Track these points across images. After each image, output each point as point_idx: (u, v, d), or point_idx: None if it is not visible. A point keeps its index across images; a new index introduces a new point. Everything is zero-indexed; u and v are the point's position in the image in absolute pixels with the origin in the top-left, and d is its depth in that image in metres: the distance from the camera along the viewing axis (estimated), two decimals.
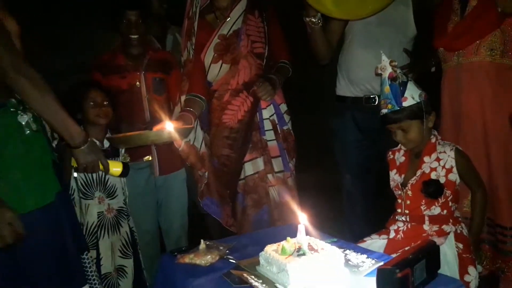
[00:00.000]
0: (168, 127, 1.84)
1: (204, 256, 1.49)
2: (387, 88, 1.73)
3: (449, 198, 1.72)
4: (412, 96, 1.71)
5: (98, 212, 2.04)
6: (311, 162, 3.02)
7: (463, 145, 1.88)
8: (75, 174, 1.96)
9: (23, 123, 1.40)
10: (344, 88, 2.32)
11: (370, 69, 2.20)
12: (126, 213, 2.15)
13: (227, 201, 2.24)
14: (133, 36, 2.27)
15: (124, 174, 1.77)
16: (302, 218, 1.36)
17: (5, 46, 1.33)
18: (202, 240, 1.56)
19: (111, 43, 2.45)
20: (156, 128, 1.91)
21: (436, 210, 1.71)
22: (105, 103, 2.08)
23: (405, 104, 1.70)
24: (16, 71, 1.33)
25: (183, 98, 2.20)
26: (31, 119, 1.42)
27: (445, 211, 1.71)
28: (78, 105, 2.04)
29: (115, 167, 1.73)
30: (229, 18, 2.17)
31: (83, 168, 1.54)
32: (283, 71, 2.24)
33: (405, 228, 1.75)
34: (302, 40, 2.28)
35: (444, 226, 1.70)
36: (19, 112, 1.39)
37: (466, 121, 1.99)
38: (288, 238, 1.34)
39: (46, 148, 1.47)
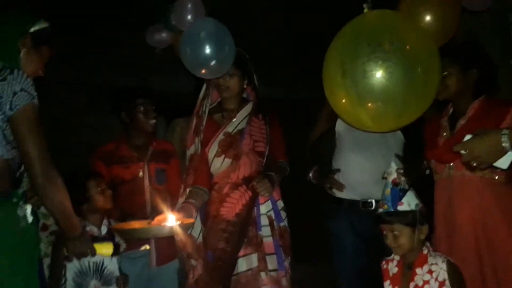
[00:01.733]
0: (170, 221, 1.89)
1: None
2: (387, 191, 1.81)
3: None
4: (409, 203, 1.77)
5: None
6: (308, 262, 2.98)
7: (456, 255, 1.88)
8: (68, 264, 1.97)
9: (21, 215, 1.47)
10: (339, 190, 2.37)
11: (365, 173, 2.30)
12: None
13: None
14: (151, 121, 2.39)
15: (115, 253, 1.86)
16: None
17: (39, 153, 1.45)
18: None
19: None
20: (158, 219, 1.96)
21: None
22: (107, 187, 2.17)
23: (400, 208, 1.76)
24: (45, 177, 1.45)
25: (188, 190, 2.27)
26: (29, 212, 1.50)
27: None
28: (83, 195, 2.10)
29: (106, 249, 1.80)
30: (235, 119, 2.32)
31: (74, 256, 1.64)
32: (282, 169, 2.33)
33: None
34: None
35: None
36: (20, 204, 1.48)
37: (459, 233, 2.00)
38: None
39: (35, 244, 1.55)
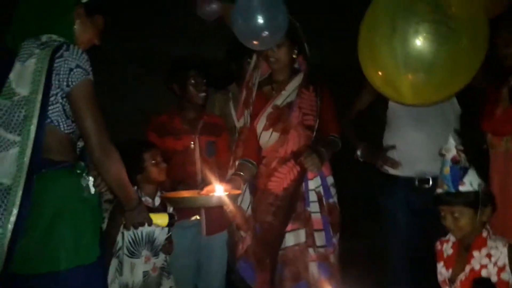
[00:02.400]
0: (218, 192, 1.91)
1: None
2: (447, 170, 1.69)
3: None
4: (471, 182, 1.66)
5: (143, 272, 2.08)
6: (357, 239, 2.92)
7: (510, 235, 1.76)
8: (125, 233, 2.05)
9: (84, 185, 1.53)
10: (394, 168, 2.27)
11: (423, 149, 2.18)
12: (167, 271, 2.19)
13: (265, 268, 2.20)
14: (201, 94, 2.41)
15: (170, 224, 1.88)
16: None
17: (96, 127, 1.49)
18: None
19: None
20: (207, 189, 1.98)
21: None
22: (162, 160, 2.20)
23: (461, 188, 1.65)
24: (102, 150, 1.50)
25: (237, 162, 2.28)
26: (92, 183, 1.55)
27: None
28: (138, 166, 2.15)
29: (162, 219, 1.84)
30: (285, 91, 2.26)
31: (131, 226, 1.68)
32: (332, 144, 2.25)
33: None
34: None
35: None
36: (84, 175, 1.53)
37: None
38: None
39: (98, 213, 1.59)
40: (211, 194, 1.97)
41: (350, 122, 2.45)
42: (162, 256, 2.17)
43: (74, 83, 1.48)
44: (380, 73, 1.81)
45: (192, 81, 2.40)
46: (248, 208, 2.27)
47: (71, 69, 1.47)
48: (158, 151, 2.22)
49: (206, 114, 2.53)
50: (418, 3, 1.64)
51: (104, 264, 1.69)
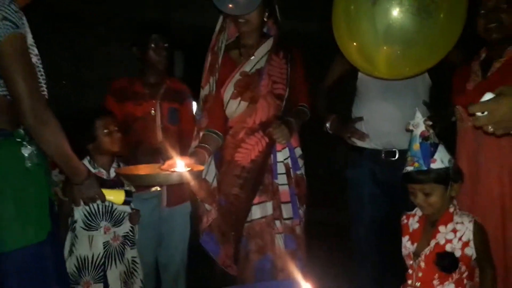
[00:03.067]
0: (179, 168, 1.80)
1: None
2: (416, 146, 1.66)
3: (464, 274, 1.62)
4: (441, 159, 1.63)
5: (103, 243, 1.98)
6: (322, 210, 2.93)
7: (478, 210, 1.78)
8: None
9: (26, 155, 1.37)
10: (361, 140, 2.24)
11: (392, 122, 2.15)
12: (132, 241, 2.09)
13: (229, 241, 2.16)
14: (158, 58, 2.27)
15: (127, 202, 1.77)
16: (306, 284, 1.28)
17: (28, 90, 1.32)
18: None
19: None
20: (167, 164, 1.87)
21: (449, 286, 1.61)
22: (116, 130, 2.05)
23: (433, 166, 1.62)
24: (35, 117, 1.33)
25: (201, 133, 2.17)
26: (35, 152, 1.39)
27: None
28: (90, 135, 2.01)
29: (116, 196, 1.73)
30: (253, 57, 2.15)
31: (80, 202, 1.58)
32: (301, 115, 2.19)
33: None
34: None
35: None
36: (24, 143, 1.37)
37: (483, 186, 1.87)
38: None
39: (45, 184, 1.44)
40: (171, 170, 1.85)
41: (322, 93, 2.39)
42: (126, 224, 2.06)
43: (0, 38, 1.29)
44: (355, 44, 1.74)
45: (153, 45, 2.27)
46: (213, 180, 2.19)
47: None
48: (112, 119, 2.07)
49: (168, 79, 2.39)
50: None
51: (58, 239, 1.56)
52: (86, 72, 3.13)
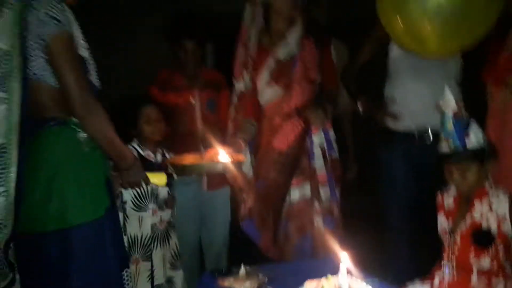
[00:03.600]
0: (223, 158, 1.92)
1: (243, 282, 1.53)
2: (450, 125, 1.68)
3: (500, 249, 1.64)
4: (476, 137, 1.66)
5: (151, 224, 2.12)
6: (357, 192, 2.98)
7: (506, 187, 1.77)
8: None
9: (82, 140, 1.49)
10: (395, 120, 2.27)
11: (424, 102, 2.17)
12: (174, 225, 2.23)
13: (269, 226, 2.24)
14: (191, 57, 2.41)
15: (169, 183, 1.88)
16: (344, 257, 1.36)
17: (75, 82, 1.43)
18: (242, 265, 1.59)
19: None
20: (210, 154, 1.97)
21: (486, 261, 1.64)
22: (158, 119, 2.17)
23: (468, 144, 1.65)
24: (84, 106, 1.43)
25: (230, 124, 2.26)
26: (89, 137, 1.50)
27: (495, 264, 1.64)
28: (132, 122, 2.14)
29: (159, 178, 1.81)
30: (286, 41, 2.20)
31: (128, 185, 1.66)
32: (334, 98, 2.25)
33: (451, 277, 1.69)
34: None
35: (493, 279, 1.63)
36: (78, 130, 1.48)
37: (510, 162, 1.88)
38: (329, 276, 1.34)
39: (102, 165, 1.55)
40: (216, 160, 1.96)
41: (352, 75, 2.42)
42: (168, 210, 2.20)
43: (48, 37, 1.40)
44: (404, 24, 1.75)
45: (184, 51, 2.40)
46: (249, 170, 2.27)
47: (41, 21, 1.40)
48: (154, 109, 2.18)
49: (205, 70, 2.51)
50: None
51: (116, 214, 1.67)
52: (118, 64, 3.24)
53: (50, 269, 1.45)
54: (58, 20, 1.41)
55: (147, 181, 1.70)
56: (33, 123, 1.44)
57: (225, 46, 2.53)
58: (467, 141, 1.65)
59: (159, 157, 2.22)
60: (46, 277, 1.46)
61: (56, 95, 1.48)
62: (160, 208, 2.16)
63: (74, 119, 1.49)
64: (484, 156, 1.67)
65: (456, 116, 1.68)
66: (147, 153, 2.18)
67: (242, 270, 1.58)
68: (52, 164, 1.46)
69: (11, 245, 1.40)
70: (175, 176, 2.11)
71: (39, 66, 1.44)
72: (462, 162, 1.67)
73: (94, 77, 1.57)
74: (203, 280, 1.70)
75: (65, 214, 1.44)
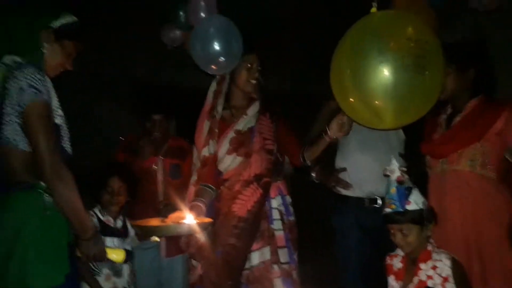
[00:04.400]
0: (189, 220, 1.97)
1: None
2: (393, 190, 1.87)
3: None
4: (416, 201, 1.84)
5: None
6: (312, 256, 3.07)
7: (448, 249, 1.93)
8: None
9: (47, 204, 1.52)
10: (345, 188, 2.45)
11: (371, 171, 2.37)
12: None
13: None
14: (156, 133, 2.57)
15: (126, 260, 1.90)
16: None
17: (47, 148, 1.48)
18: None
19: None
20: (172, 217, 2.02)
21: None
22: (121, 191, 2.24)
23: (408, 207, 1.83)
24: (53, 173, 1.48)
25: (192, 189, 2.32)
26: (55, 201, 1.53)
27: None
28: (96, 189, 2.20)
29: (117, 255, 1.83)
30: (246, 116, 2.37)
31: (87, 258, 1.65)
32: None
33: None
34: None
35: None
36: (45, 194, 1.52)
37: (449, 227, 2.07)
38: None
39: (64, 230, 1.57)
40: (181, 222, 2.00)
41: (307, 146, 2.61)
42: (125, 277, 2.17)
43: (25, 104, 1.47)
44: (362, 100, 1.90)
45: (152, 122, 2.58)
46: (202, 236, 2.26)
47: (21, 89, 1.47)
48: (117, 181, 2.25)
49: (171, 138, 2.63)
50: (400, 38, 1.80)
51: (75, 281, 1.65)
52: (84, 131, 3.29)
53: None
54: (38, 90, 1.49)
55: (104, 257, 1.70)
56: (2, 186, 1.48)
57: (183, 117, 2.72)
58: (407, 205, 1.83)
59: (119, 223, 2.24)
60: None
61: (26, 159, 1.52)
62: (116, 274, 2.13)
63: (42, 184, 1.52)
64: (423, 220, 1.84)
65: (399, 181, 1.87)
66: (107, 219, 2.20)
67: None
68: (14, 226, 1.47)
69: None
70: (133, 254, 2.12)
71: (12, 131, 1.50)
72: (403, 224, 1.83)
73: (67, 144, 1.62)
74: None
75: (23, 279, 1.44)
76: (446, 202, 2.10)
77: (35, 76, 1.50)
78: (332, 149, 2.59)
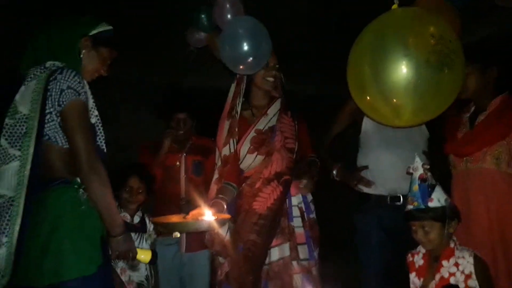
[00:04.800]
0: (208, 216, 2.00)
1: None
2: (415, 187, 1.87)
3: None
4: (438, 199, 1.83)
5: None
6: (334, 254, 3.07)
7: (472, 246, 1.92)
8: None
9: (82, 199, 1.60)
10: (368, 187, 2.45)
11: (396, 170, 2.36)
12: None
13: None
14: (180, 132, 2.62)
15: (152, 261, 1.88)
16: None
17: (85, 145, 1.57)
18: None
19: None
20: (193, 214, 2.06)
21: None
22: (140, 191, 2.30)
23: (430, 204, 1.82)
24: (89, 168, 1.56)
25: (214, 187, 2.36)
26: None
27: None
28: (115, 186, 2.24)
29: (145, 255, 1.84)
30: (266, 115, 2.40)
31: (116, 255, 1.69)
32: (314, 164, 2.41)
33: None
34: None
35: None
36: (80, 190, 1.60)
37: (475, 225, 2.06)
38: None
39: (98, 224, 1.63)
40: (200, 218, 2.04)
41: (327, 145, 2.64)
42: (142, 272, 2.21)
43: (64, 103, 1.58)
44: (381, 94, 1.88)
45: (174, 120, 2.64)
46: (227, 232, 2.32)
47: (62, 90, 1.58)
48: (137, 180, 2.32)
49: (195, 136, 2.70)
50: (424, 35, 1.79)
51: (108, 273, 1.70)
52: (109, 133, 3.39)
53: None
54: (76, 91, 1.60)
55: (134, 255, 1.73)
56: (41, 182, 1.57)
57: (206, 117, 2.78)
58: (429, 202, 1.82)
59: (136, 219, 2.30)
60: None
61: (65, 156, 1.62)
62: (131, 268, 2.17)
63: (78, 180, 1.62)
64: (445, 217, 1.82)
65: (421, 178, 1.87)
66: (124, 215, 2.26)
67: None
68: (51, 220, 1.55)
69: None
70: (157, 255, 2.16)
71: (52, 128, 1.60)
72: (424, 220, 1.83)
73: (102, 142, 1.72)
74: None
75: (58, 269, 1.51)
76: (471, 200, 2.08)
77: (74, 78, 1.61)
78: (354, 147, 2.60)
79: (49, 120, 1.59)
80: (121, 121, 3.53)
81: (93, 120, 1.69)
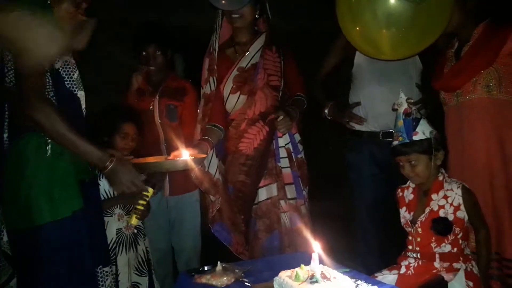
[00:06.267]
0: (184, 156, 1.94)
1: (220, 278, 1.55)
2: (400, 122, 1.84)
3: (459, 235, 1.78)
4: (423, 131, 1.81)
5: (117, 229, 2.11)
6: (325, 192, 3.08)
7: (467, 181, 1.91)
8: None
9: (48, 146, 1.54)
10: (360, 124, 2.39)
11: (388, 104, 2.27)
12: (143, 232, 2.23)
13: (239, 228, 2.29)
14: (150, 68, 2.43)
15: (155, 193, 1.87)
16: (316, 247, 1.42)
17: (24, 84, 1.47)
18: (219, 262, 1.63)
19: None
20: (173, 155, 2.00)
21: (446, 247, 1.77)
22: (134, 137, 2.21)
23: (415, 138, 1.80)
24: (28, 105, 1.48)
25: (198, 127, 2.30)
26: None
27: (455, 249, 1.77)
28: (108, 131, 2.16)
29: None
30: (248, 53, 2.29)
31: (121, 190, 1.64)
32: (299, 104, 2.33)
33: (416, 264, 1.80)
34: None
35: (454, 264, 1.75)
36: (47, 137, 1.54)
37: (469, 157, 2.04)
38: (302, 265, 1.39)
39: (69, 168, 1.58)
40: (177, 158, 1.98)
41: (318, 82, 2.54)
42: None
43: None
44: (359, 29, 1.89)
45: (143, 53, 2.42)
46: (216, 172, 2.30)
47: None
48: (132, 126, 2.21)
49: (170, 78, 2.52)
50: None
51: (94, 215, 1.68)
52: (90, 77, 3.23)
53: (24, 263, 1.56)
54: None
55: (139, 185, 1.66)
56: (15, 130, 1.56)
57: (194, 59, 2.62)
58: (414, 136, 1.79)
59: None
60: (23, 270, 1.57)
61: None
62: (128, 213, 2.15)
63: None
64: (431, 149, 1.79)
65: (406, 113, 1.83)
66: None
67: (219, 266, 1.60)
68: (20, 168, 1.53)
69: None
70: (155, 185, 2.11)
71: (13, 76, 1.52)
72: (409, 154, 1.80)
73: (72, 87, 1.63)
74: (180, 280, 1.71)
75: (29, 214, 1.51)
76: (465, 134, 2.05)
77: None
78: (345, 83, 2.51)
79: (10, 67, 1.52)
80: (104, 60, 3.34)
81: (57, 65, 1.59)
